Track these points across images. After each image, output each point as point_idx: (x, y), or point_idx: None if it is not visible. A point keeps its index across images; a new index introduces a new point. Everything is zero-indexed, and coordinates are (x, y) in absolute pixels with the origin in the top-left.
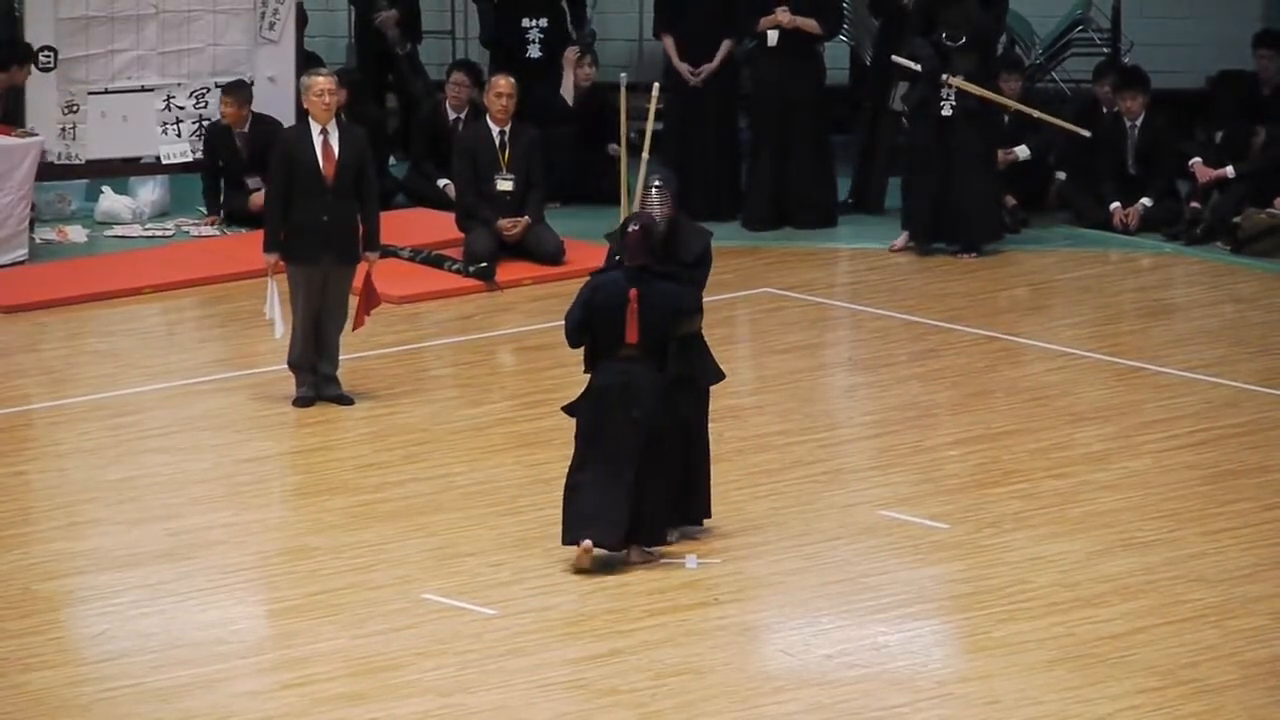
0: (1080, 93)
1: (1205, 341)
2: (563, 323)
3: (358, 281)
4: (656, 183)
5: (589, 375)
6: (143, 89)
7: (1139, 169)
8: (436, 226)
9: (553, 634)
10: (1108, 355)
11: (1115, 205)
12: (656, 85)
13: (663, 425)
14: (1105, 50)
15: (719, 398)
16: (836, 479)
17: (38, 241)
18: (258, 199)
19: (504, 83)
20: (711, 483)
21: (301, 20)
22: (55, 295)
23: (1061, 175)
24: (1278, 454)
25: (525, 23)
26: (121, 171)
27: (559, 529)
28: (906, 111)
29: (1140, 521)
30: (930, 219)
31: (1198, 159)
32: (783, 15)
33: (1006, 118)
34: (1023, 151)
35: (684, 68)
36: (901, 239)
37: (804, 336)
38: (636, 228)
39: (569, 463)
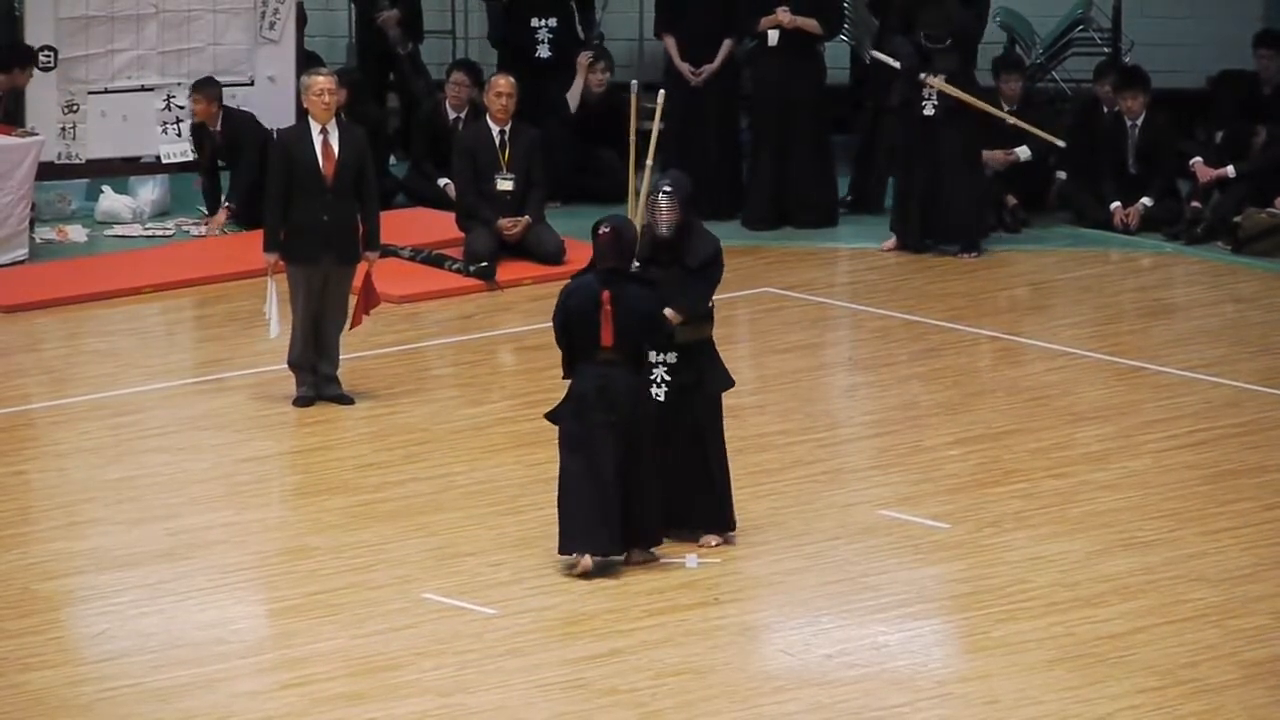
0: (1081, 92)
1: (1206, 341)
2: None
3: (357, 281)
4: (666, 188)
5: (567, 380)
6: (143, 89)
7: (1139, 169)
8: (437, 226)
9: (552, 634)
10: (1108, 355)
11: (1116, 205)
12: (662, 92)
13: (643, 428)
14: (1106, 50)
15: None
16: (836, 479)
17: (38, 241)
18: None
19: (504, 82)
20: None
21: (301, 20)
22: (55, 295)
23: (1062, 175)
24: (1278, 454)
25: (534, 22)
26: (121, 171)
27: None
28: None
29: (1140, 521)
30: (917, 219)
31: (1198, 159)
32: (783, 15)
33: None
34: (1024, 152)
35: (685, 68)
36: (891, 241)
37: (804, 336)
38: (608, 230)
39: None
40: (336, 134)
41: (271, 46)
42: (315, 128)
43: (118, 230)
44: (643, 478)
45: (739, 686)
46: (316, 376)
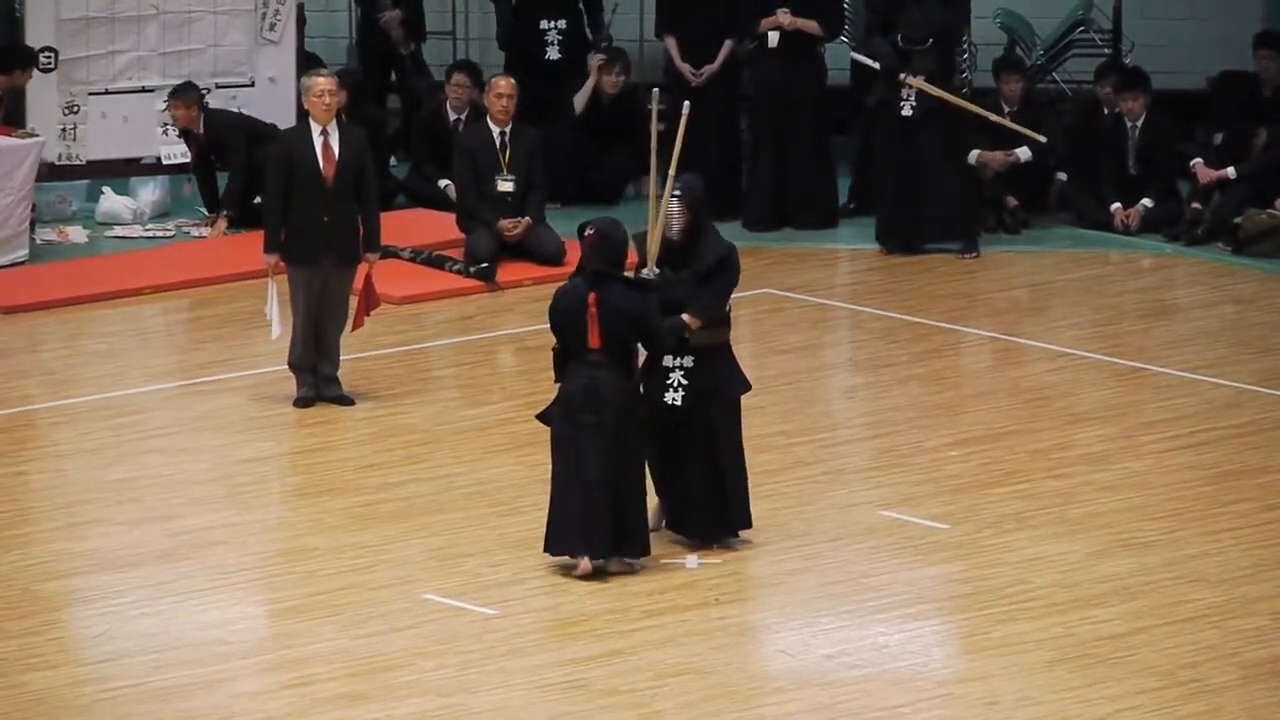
0: (1081, 93)
1: (1206, 342)
2: None
3: (358, 282)
4: (677, 191)
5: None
6: (143, 90)
7: (1140, 170)
8: (437, 227)
9: (553, 634)
10: (1108, 356)
11: (1116, 206)
12: (686, 104)
13: (631, 430)
14: (1106, 51)
15: None
16: (837, 479)
17: (38, 242)
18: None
19: (504, 83)
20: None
21: (300, 21)
22: (55, 296)
23: (1062, 176)
24: (1278, 455)
25: (544, 24)
26: (122, 172)
27: None
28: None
29: (1141, 522)
30: (896, 220)
31: (1198, 160)
32: (784, 16)
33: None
34: (1024, 153)
35: (686, 68)
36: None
37: (805, 337)
38: (593, 231)
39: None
40: (337, 135)
41: (272, 48)
42: (316, 129)
43: (118, 231)
44: (631, 480)
45: (739, 687)
46: (317, 377)
